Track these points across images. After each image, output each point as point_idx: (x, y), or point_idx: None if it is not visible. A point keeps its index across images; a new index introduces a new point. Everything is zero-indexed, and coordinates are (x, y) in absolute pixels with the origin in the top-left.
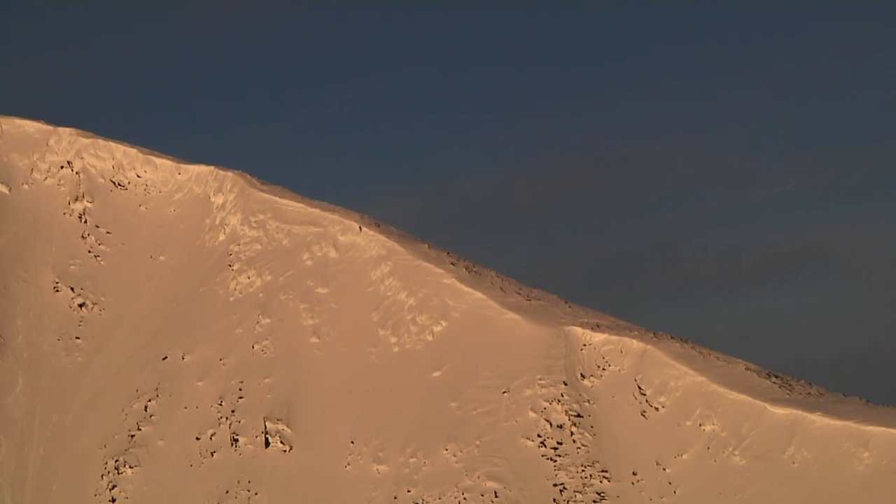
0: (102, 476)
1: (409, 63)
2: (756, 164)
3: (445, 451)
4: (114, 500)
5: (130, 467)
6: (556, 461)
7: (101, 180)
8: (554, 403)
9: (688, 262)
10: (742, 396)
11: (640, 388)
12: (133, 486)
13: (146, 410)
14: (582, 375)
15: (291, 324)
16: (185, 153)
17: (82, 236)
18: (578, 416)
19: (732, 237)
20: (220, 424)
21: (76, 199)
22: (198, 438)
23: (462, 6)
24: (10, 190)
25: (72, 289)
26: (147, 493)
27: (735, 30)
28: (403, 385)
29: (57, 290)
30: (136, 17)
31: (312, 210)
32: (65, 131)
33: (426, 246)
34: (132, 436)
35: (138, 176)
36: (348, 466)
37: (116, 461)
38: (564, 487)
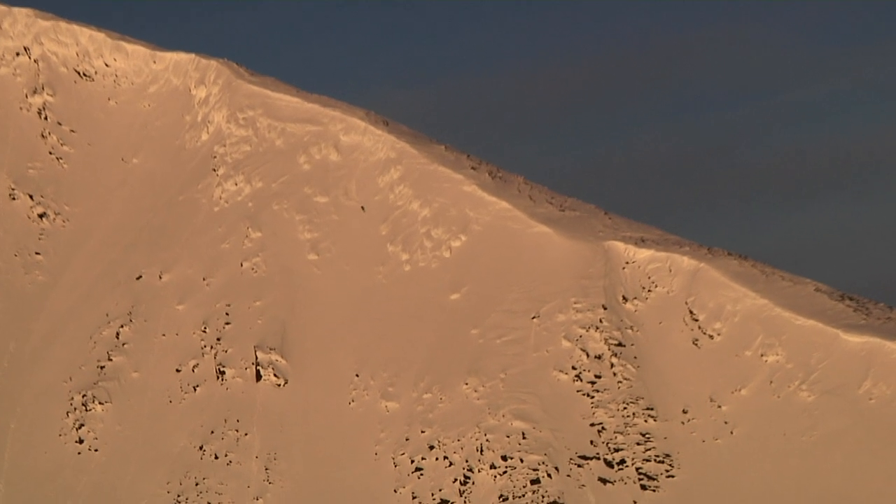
0: (68, 413)
1: None
2: (828, 52)
3: (465, 386)
4: (81, 441)
5: (100, 403)
6: (593, 397)
7: (64, 70)
8: (591, 330)
9: (748, 167)
10: (811, 322)
11: (691, 312)
12: (103, 425)
13: (118, 338)
14: (624, 298)
15: (286, 238)
16: (162, 39)
17: (42, 135)
18: (619, 345)
19: (800, 139)
20: (203, 354)
21: (34, 92)
22: (178, 371)
23: None
24: None
25: (30, 196)
26: (119, 433)
27: None
28: (416, 310)
29: (13, 198)
30: None
31: (310, 105)
32: (21, 12)
33: (442, 147)
34: (102, 367)
35: (107, 65)
36: (352, 403)
37: (84, 396)
38: (603, 428)
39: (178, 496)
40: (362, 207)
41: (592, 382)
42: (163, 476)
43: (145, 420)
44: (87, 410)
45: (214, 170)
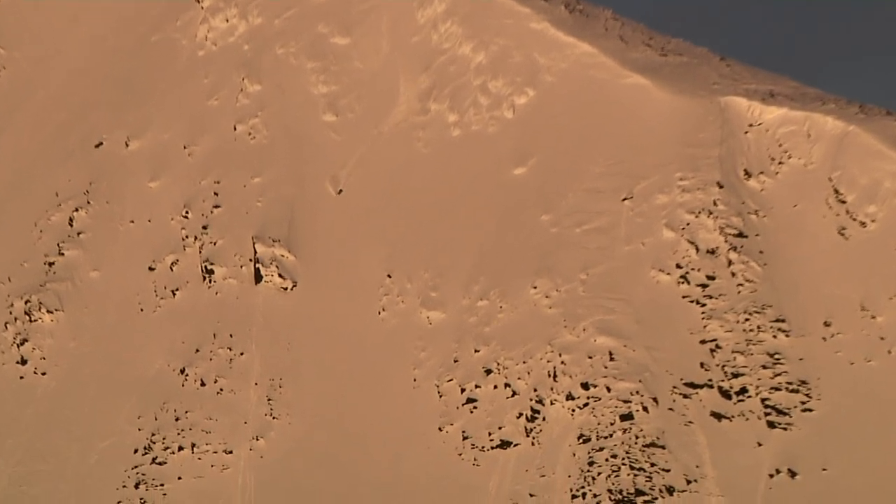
0: (6, 325)
1: None
2: None
3: (533, 291)
4: (23, 362)
5: (48, 312)
6: (704, 305)
7: None
8: (702, 216)
9: None
10: None
11: (837, 192)
12: (53, 340)
13: (71, 225)
14: (747, 173)
15: (294, 93)
16: None
17: None
18: (740, 235)
19: None
20: (185, 248)
21: None
22: (151, 269)
23: None
24: None
25: None
26: (74, 350)
27: None
28: (468, 189)
29: None
30: None
31: None
32: None
33: None
34: (50, 264)
35: None
36: (383, 314)
37: (27, 303)
38: (718, 346)
39: (153, 435)
40: (394, 52)
41: (703, 285)
42: (132, 408)
43: (108, 334)
44: (31, 321)
45: (199, 1)
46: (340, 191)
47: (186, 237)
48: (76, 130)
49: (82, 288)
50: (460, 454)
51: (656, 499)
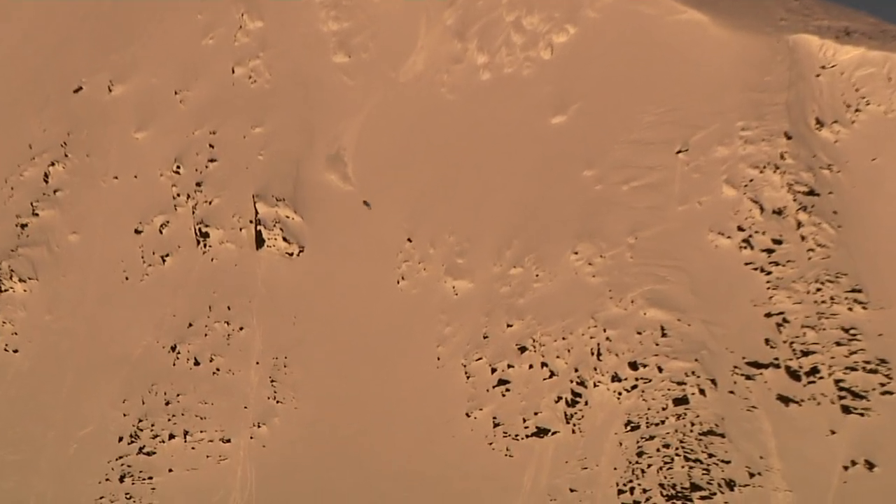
0: None
1: None
2: None
3: (574, 257)
4: None
5: (20, 281)
6: (770, 273)
7: None
8: (768, 171)
9: None
10: None
11: None
12: (26, 313)
13: (47, 181)
14: (818, 122)
15: (301, 30)
16: None
17: None
18: (811, 193)
19: None
20: (176, 208)
21: None
22: (138, 232)
23: None
24: None
25: None
26: (50, 324)
27: None
28: (499, 141)
29: None
30: None
31: None
32: None
33: None
34: (23, 226)
35: None
36: (402, 283)
37: None
38: (785, 320)
39: (140, 420)
40: None
41: (769, 251)
42: (116, 390)
43: (89, 306)
44: (1, 291)
45: None
46: (352, 145)
47: (178, 195)
48: (52, 74)
49: (59, 253)
50: (490, 443)
51: (714, 494)
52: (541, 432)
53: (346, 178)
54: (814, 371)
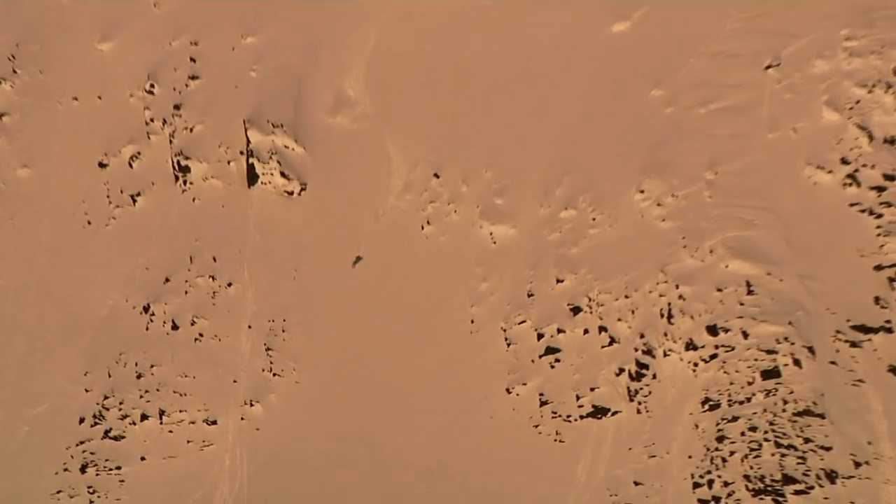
0: None
1: None
2: None
3: (639, 196)
4: None
5: None
6: (881, 217)
7: None
8: (878, 91)
9: None
10: None
11: None
12: None
13: None
14: None
15: None
16: None
17: None
18: None
19: None
20: (149, 136)
21: None
22: (103, 165)
23: None
24: None
25: None
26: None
27: None
28: (547, 54)
29: None
30: None
31: None
32: None
33: None
34: None
35: None
36: (427, 227)
37: None
38: None
39: (105, 399)
40: None
41: (880, 188)
42: (76, 361)
43: (42, 257)
44: None
45: None
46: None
47: (152, 121)
48: None
49: (7, 192)
50: (537, 426)
51: (812, 488)
52: (598, 412)
53: (358, 100)
54: None
